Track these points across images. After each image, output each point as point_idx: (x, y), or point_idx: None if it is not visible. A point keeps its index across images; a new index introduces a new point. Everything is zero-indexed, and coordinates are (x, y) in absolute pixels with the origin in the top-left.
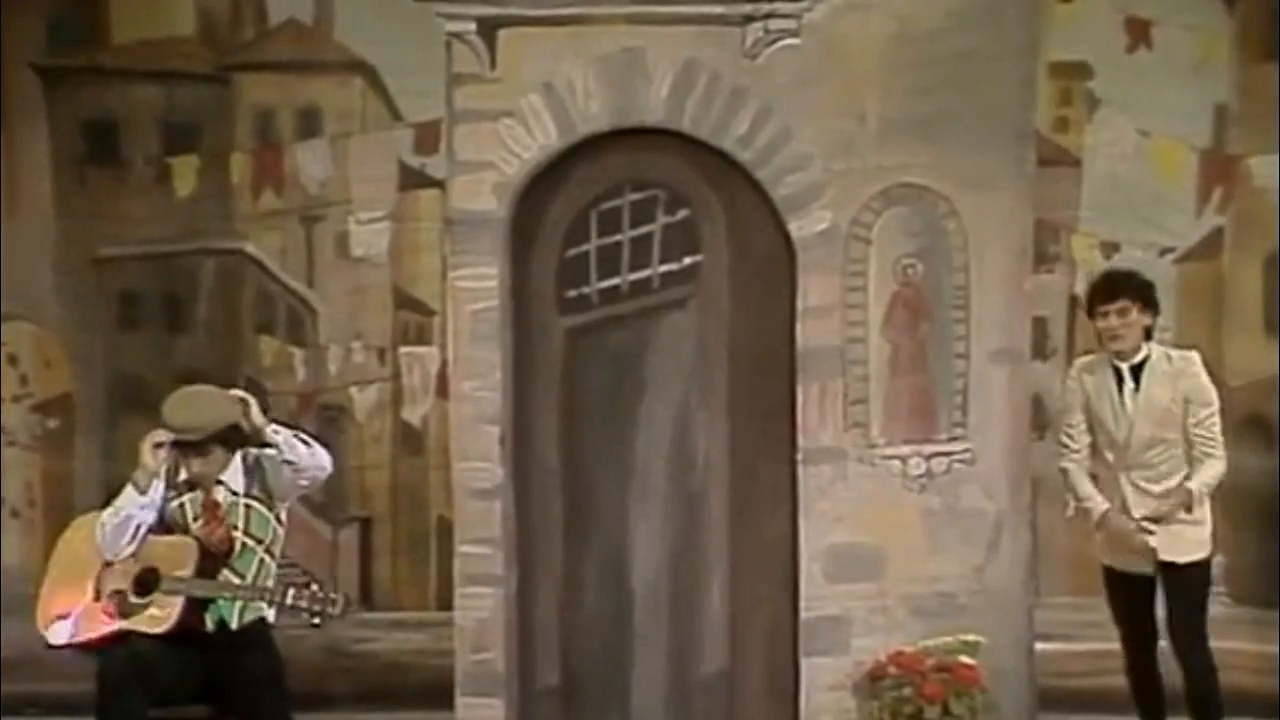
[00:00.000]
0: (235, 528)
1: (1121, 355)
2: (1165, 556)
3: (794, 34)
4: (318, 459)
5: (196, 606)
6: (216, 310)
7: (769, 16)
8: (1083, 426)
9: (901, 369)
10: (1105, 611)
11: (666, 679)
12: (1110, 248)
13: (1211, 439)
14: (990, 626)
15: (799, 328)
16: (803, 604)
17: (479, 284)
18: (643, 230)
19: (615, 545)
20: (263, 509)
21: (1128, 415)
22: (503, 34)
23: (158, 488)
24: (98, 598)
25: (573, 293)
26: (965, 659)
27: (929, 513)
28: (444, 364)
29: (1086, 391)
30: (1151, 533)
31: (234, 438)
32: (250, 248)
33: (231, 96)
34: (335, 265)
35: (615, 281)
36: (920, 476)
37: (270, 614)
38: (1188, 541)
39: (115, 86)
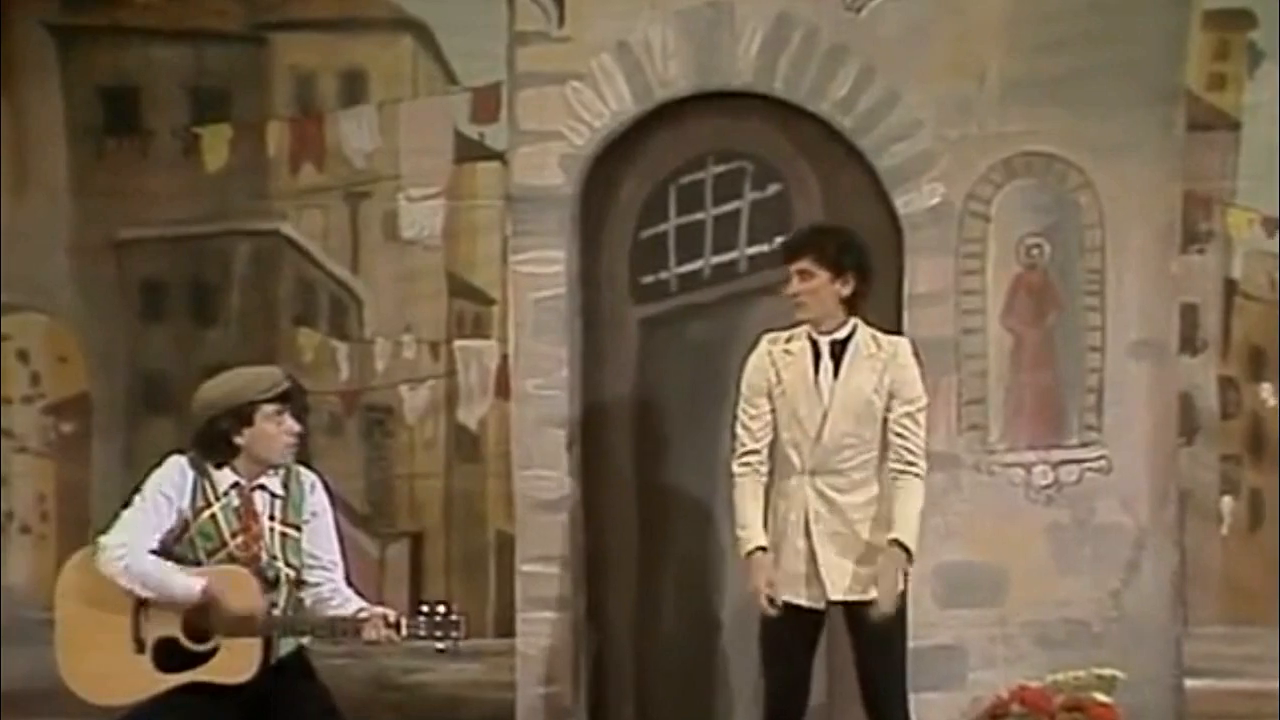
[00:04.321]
0: (275, 557)
1: (815, 327)
2: (838, 596)
3: None
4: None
5: None
6: (250, 299)
7: None
8: (766, 418)
9: (1025, 364)
10: (1267, 643)
11: (755, 718)
12: (1274, 224)
13: (913, 445)
14: (1130, 659)
15: (906, 317)
16: (911, 631)
17: (543, 269)
18: (728, 208)
19: (697, 564)
20: (295, 535)
21: (823, 403)
22: None
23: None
24: (140, 649)
25: (649, 278)
26: (1101, 696)
27: (1057, 528)
28: (504, 359)
29: (777, 370)
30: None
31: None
32: (288, 229)
33: (267, 58)
34: (383, 248)
35: (697, 265)
36: (1047, 487)
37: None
38: (866, 572)
39: (137, 47)
